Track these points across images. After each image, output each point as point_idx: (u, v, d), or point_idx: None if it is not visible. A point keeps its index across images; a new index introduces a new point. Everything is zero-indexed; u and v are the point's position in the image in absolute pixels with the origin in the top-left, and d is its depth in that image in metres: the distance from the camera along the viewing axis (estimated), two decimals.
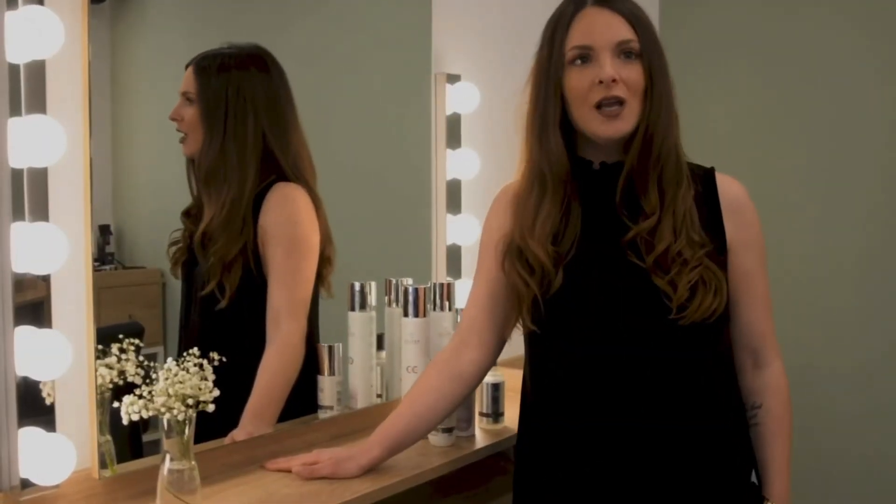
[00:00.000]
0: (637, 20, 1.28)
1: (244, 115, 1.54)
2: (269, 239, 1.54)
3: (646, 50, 1.27)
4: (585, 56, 1.27)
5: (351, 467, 1.40)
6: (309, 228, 1.60)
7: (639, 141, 1.27)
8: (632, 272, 1.27)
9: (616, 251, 1.28)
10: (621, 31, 1.26)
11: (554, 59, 1.29)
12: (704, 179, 1.33)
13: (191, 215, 1.55)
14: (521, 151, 1.37)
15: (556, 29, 1.30)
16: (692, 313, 1.23)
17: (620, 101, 1.25)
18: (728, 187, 1.34)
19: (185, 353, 1.25)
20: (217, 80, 1.54)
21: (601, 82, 1.25)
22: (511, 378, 1.54)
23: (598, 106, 1.26)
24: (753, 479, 1.38)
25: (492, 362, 1.48)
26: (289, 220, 1.58)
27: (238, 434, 1.48)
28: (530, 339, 1.37)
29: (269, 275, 1.55)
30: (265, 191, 1.55)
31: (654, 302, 1.25)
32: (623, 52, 1.26)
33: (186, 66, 1.54)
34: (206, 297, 1.50)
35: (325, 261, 1.64)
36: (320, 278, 1.64)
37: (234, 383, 1.37)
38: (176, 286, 1.55)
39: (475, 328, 1.44)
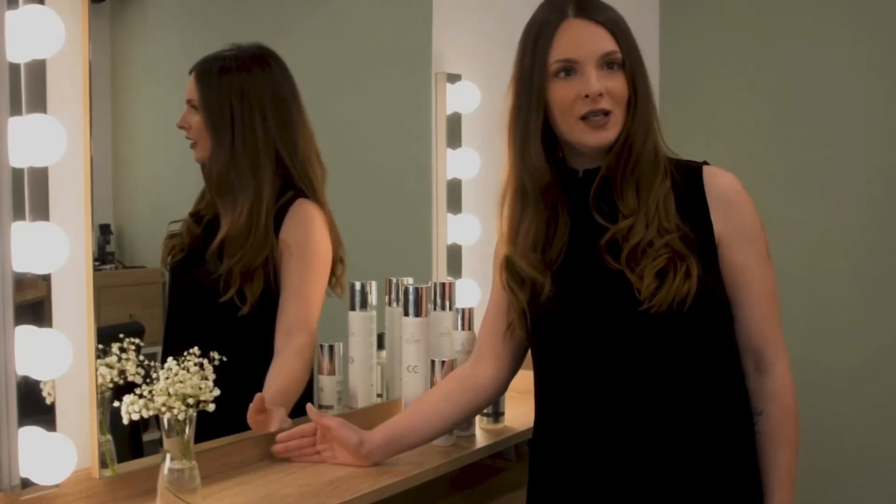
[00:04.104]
0: (618, 29, 1.28)
1: (251, 120, 1.54)
2: (291, 254, 1.55)
3: (628, 59, 1.28)
4: (569, 69, 1.27)
5: (352, 433, 1.44)
6: (325, 246, 1.61)
7: (618, 148, 1.28)
8: (607, 273, 1.27)
9: (594, 254, 1.28)
10: (605, 43, 1.26)
11: (536, 70, 1.28)
12: (692, 174, 1.32)
13: (200, 217, 1.55)
14: (504, 159, 1.36)
15: (538, 39, 1.29)
16: (661, 300, 1.22)
17: (606, 112, 1.26)
18: (714, 179, 1.31)
19: (181, 352, 1.24)
20: (219, 87, 1.54)
21: (587, 96, 1.25)
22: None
23: (584, 117, 1.26)
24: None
25: (507, 377, 1.49)
26: (309, 238, 1.59)
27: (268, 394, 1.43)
28: (530, 346, 1.39)
29: (284, 288, 1.56)
30: (286, 205, 1.56)
31: (627, 297, 1.24)
32: (606, 63, 1.27)
33: (190, 72, 1.54)
34: (224, 304, 1.50)
35: (337, 261, 1.66)
36: (332, 278, 1.65)
37: (247, 388, 1.38)
38: None
39: (489, 343, 1.46)
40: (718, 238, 1.29)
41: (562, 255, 1.31)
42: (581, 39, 1.26)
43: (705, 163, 1.34)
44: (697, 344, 1.27)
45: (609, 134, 1.27)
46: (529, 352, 1.41)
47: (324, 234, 1.61)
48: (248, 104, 1.54)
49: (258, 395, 1.39)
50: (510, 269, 1.34)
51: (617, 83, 1.26)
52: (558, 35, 1.27)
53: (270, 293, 1.54)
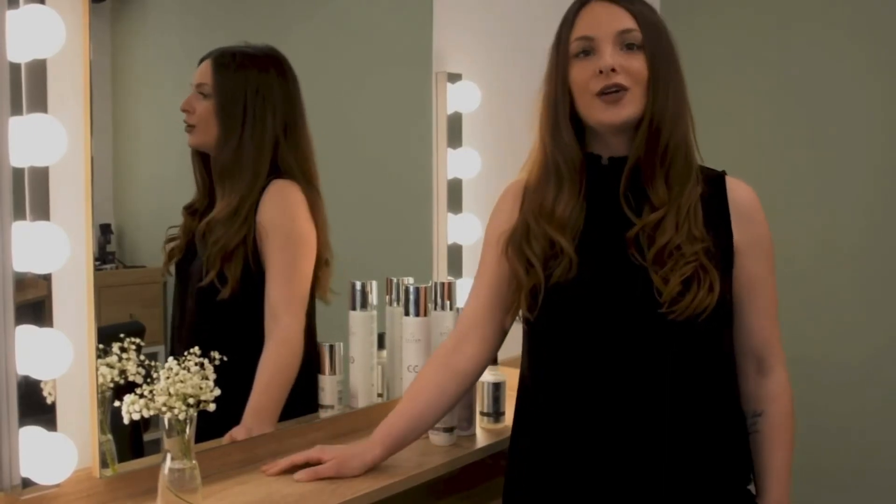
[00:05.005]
0: (641, 14, 1.29)
1: (263, 114, 1.55)
2: (267, 234, 1.54)
3: (648, 41, 1.28)
4: (588, 49, 1.29)
5: (354, 466, 1.41)
6: (305, 224, 1.60)
7: (644, 132, 1.28)
8: (631, 267, 1.27)
9: (619, 246, 1.28)
10: (622, 21, 1.28)
11: (561, 54, 1.32)
12: (714, 182, 1.33)
13: (193, 210, 1.55)
14: (533, 146, 1.37)
15: (563, 26, 1.33)
16: (682, 309, 1.23)
17: (622, 89, 1.27)
18: (737, 192, 1.34)
19: (181, 351, 1.24)
20: (236, 77, 1.55)
21: (601, 72, 1.26)
22: (512, 377, 1.54)
23: (600, 94, 1.27)
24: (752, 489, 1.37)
25: (491, 357, 1.47)
26: (285, 214, 1.58)
27: (238, 432, 1.48)
28: (528, 330, 1.37)
29: (267, 270, 1.55)
30: (264, 188, 1.56)
31: (647, 297, 1.24)
32: (625, 43, 1.28)
33: (201, 60, 1.54)
34: (206, 289, 1.50)
35: (321, 263, 1.64)
36: (317, 281, 1.63)
37: (234, 378, 1.37)
38: None
39: (476, 322, 1.44)
40: (736, 247, 1.31)
41: (576, 240, 1.30)
42: (600, 18, 1.29)
43: (724, 172, 1.36)
44: (705, 347, 1.29)
45: (623, 111, 1.27)
46: (522, 344, 1.40)
47: (303, 211, 1.60)
48: (261, 99, 1.55)
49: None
50: (528, 244, 1.32)
51: (635, 62, 1.27)
52: (580, 17, 1.31)
53: (250, 278, 1.53)
